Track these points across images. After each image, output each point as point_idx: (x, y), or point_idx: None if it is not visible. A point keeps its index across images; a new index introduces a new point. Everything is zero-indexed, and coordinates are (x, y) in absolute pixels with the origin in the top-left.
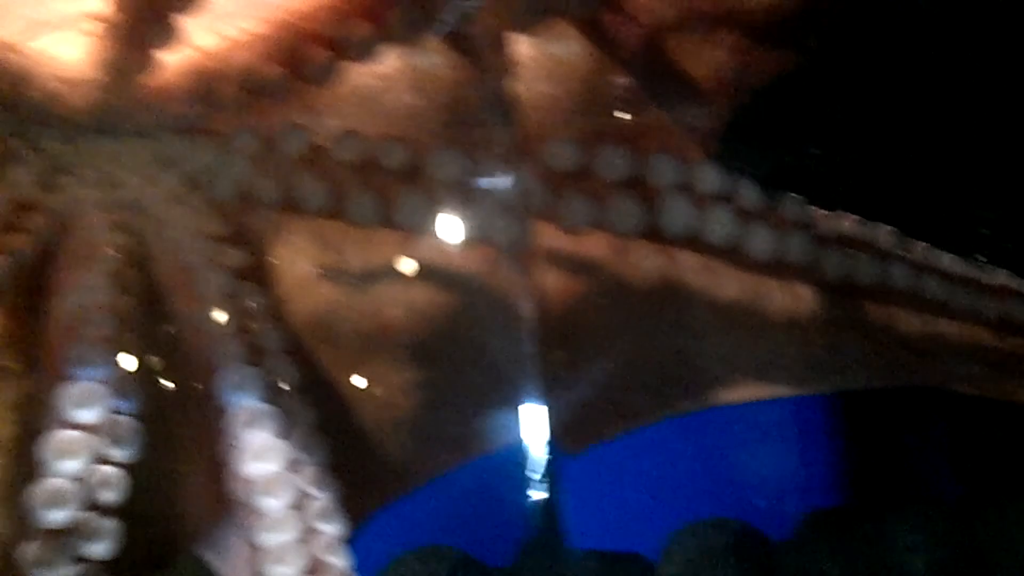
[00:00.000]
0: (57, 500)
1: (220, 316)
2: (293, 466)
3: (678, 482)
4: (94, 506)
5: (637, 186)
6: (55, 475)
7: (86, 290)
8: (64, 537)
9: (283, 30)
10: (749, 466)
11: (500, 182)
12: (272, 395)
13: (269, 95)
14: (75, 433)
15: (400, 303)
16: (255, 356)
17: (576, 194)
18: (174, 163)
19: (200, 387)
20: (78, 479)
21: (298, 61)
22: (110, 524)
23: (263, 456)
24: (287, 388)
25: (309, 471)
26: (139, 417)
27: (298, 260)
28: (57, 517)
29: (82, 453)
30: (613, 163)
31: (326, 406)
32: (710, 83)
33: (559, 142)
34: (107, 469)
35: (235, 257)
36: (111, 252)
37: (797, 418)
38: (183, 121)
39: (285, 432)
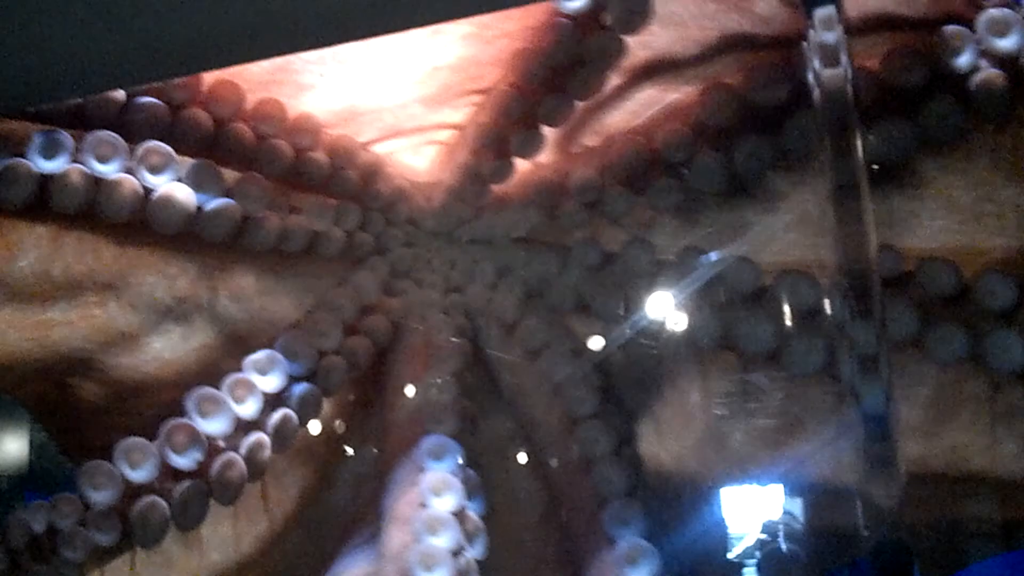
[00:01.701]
0: (431, 563)
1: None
2: None
3: None
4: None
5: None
6: (428, 545)
7: (433, 387)
8: None
9: (623, 147)
10: None
11: None
12: None
13: (607, 211)
14: (444, 513)
15: None
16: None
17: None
18: (513, 271)
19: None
20: (451, 551)
21: (637, 179)
22: None
23: None
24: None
25: None
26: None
27: None
28: None
29: (448, 532)
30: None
31: None
32: None
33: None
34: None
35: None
36: (453, 352)
37: None
38: (523, 231)
39: None
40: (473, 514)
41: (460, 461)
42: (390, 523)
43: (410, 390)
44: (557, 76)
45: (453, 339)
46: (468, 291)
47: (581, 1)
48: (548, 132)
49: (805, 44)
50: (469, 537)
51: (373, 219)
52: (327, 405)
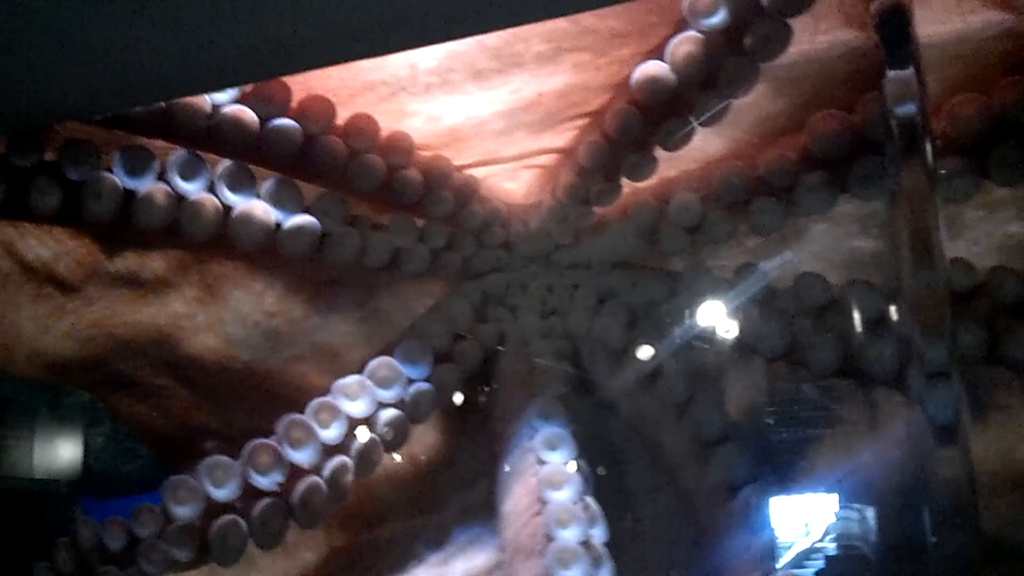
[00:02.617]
0: (569, 560)
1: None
2: None
3: None
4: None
5: None
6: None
7: (536, 416)
8: None
9: (725, 172)
10: None
11: None
12: None
13: (710, 235)
14: (573, 544)
15: None
16: None
17: None
18: (615, 296)
19: None
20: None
21: (739, 206)
22: None
23: None
24: None
25: None
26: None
27: None
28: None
29: (579, 564)
30: None
31: None
32: None
33: None
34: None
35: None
36: (557, 377)
37: None
38: (621, 255)
39: None
40: (597, 543)
41: (579, 488)
42: (515, 555)
43: (518, 417)
44: (680, 98)
45: (554, 364)
46: (569, 316)
47: (719, 18)
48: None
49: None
50: (596, 566)
51: (466, 241)
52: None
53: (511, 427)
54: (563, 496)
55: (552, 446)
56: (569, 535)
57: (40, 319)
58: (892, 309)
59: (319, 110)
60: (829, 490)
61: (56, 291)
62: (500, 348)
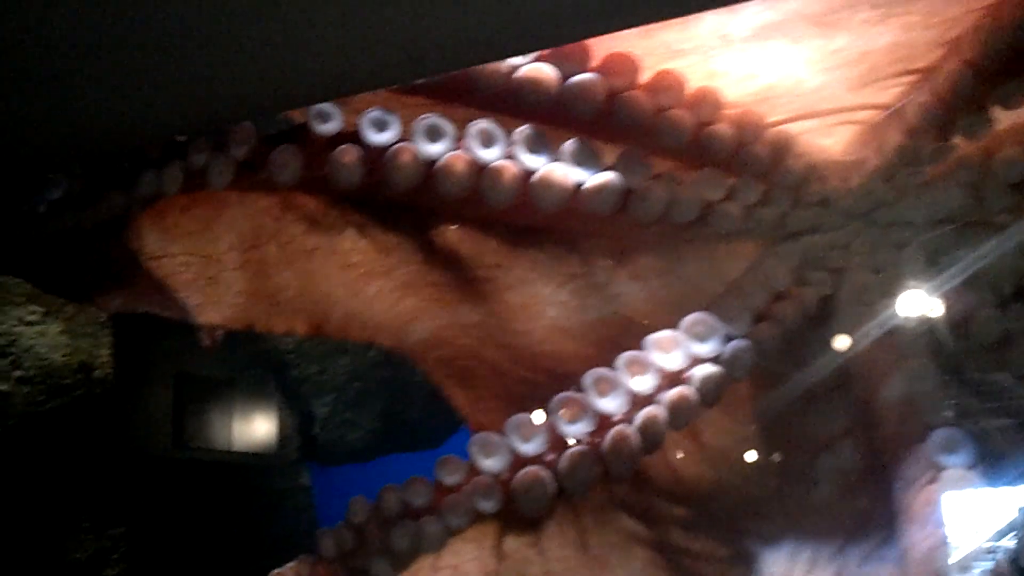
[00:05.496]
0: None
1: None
2: None
3: None
4: None
5: None
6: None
7: (914, 378)
8: None
9: None
10: None
11: None
12: None
13: None
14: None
15: None
16: None
17: None
18: (945, 256)
19: None
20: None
21: None
22: None
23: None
24: None
25: None
26: None
27: None
28: None
29: None
30: None
31: None
32: None
33: None
34: None
35: None
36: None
37: None
38: (951, 213)
39: None
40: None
41: (974, 454)
42: (909, 523)
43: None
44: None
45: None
46: (895, 277)
47: None
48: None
49: None
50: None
51: (780, 198)
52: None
53: (881, 392)
54: (959, 462)
55: (937, 412)
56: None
57: (350, 284)
58: None
59: (622, 66)
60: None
61: (364, 259)
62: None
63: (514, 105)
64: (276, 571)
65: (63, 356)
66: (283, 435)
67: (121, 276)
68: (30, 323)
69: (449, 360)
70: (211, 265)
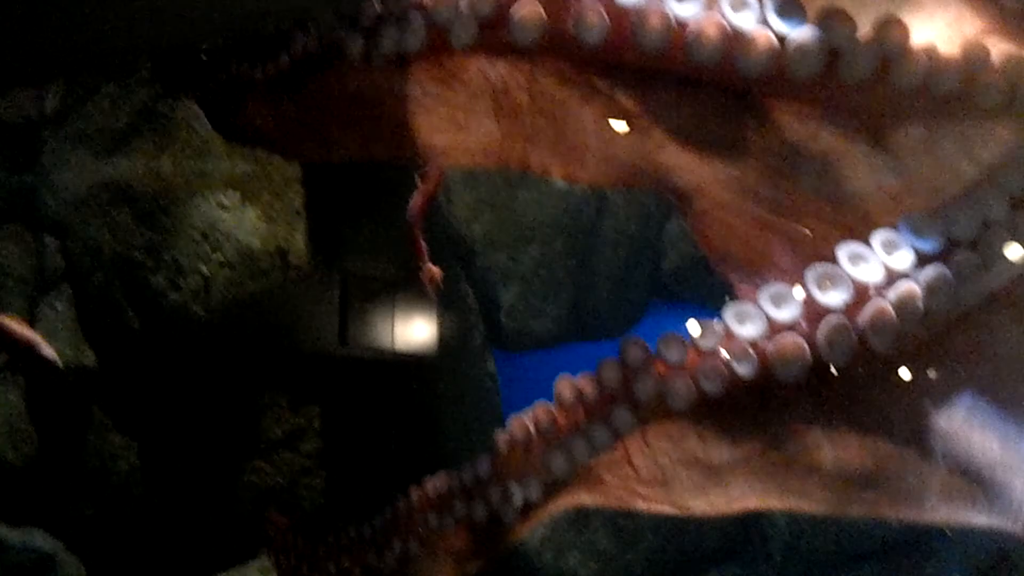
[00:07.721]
0: None
1: None
2: None
3: None
4: None
5: None
6: None
7: None
8: None
9: None
10: None
11: None
12: None
13: None
14: None
15: None
16: None
17: None
18: None
19: None
20: None
21: None
22: None
23: None
24: None
25: None
26: None
27: None
28: None
29: None
30: None
31: None
32: None
33: None
34: None
35: None
36: None
37: None
38: None
39: None
40: None
41: None
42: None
43: None
44: None
45: None
46: None
47: None
48: None
49: None
50: None
51: None
52: None
53: None
54: None
55: None
56: None
57: (605, 134)
58: None
59: None
60: None
61: (620, 115)
62: None
63: None
64: (515, 415)
65: (260, 241)
66: (469, 322)
67: (353, 121)
68: (228, 208)
69: (709, 213)
70: (458, 113)
